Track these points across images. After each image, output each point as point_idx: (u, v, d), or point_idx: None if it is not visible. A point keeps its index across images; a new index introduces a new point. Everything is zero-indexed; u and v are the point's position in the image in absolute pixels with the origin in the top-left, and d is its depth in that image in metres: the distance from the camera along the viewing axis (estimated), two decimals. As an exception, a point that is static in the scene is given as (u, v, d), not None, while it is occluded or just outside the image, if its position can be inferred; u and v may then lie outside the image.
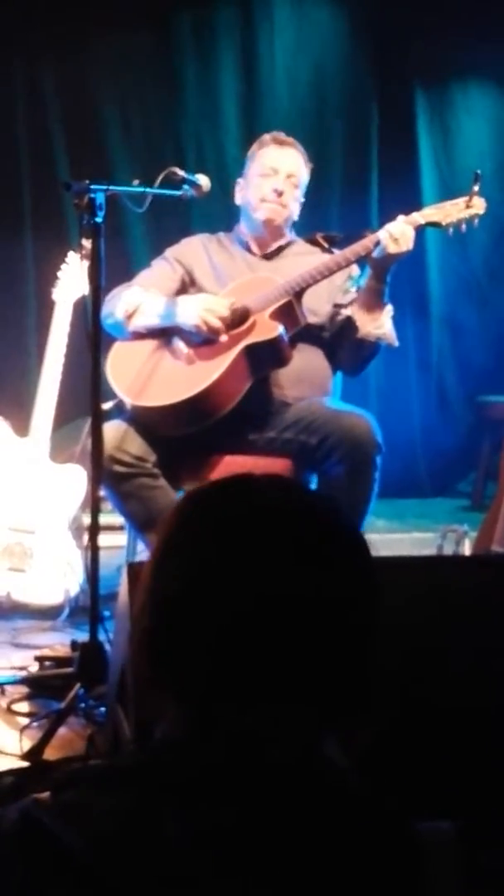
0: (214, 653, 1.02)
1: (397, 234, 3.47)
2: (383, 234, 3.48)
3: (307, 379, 3.68)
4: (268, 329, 3.51)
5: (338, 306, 3.70)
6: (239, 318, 3.55)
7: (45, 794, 1.01)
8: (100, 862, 0.95)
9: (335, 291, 3.73)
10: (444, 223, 3.57)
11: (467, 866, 1.02)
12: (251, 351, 3.52)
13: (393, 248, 3.47)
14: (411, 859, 0.99)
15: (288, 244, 3.85)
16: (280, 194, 3.72)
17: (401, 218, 3.53)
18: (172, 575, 1.07)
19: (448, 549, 4.30)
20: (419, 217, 3.56)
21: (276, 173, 3.73)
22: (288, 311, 3.56)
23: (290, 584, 1.03)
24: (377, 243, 3.49)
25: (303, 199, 3.84)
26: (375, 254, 3.51)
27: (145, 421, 3.53)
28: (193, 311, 3.52)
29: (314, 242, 3.86)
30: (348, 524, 1.12)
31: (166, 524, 1.12)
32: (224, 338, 3.52)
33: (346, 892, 0.96)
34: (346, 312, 3.65)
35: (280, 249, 3.83)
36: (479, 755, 1.92)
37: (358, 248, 3.55)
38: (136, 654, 1.09)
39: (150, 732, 1.09)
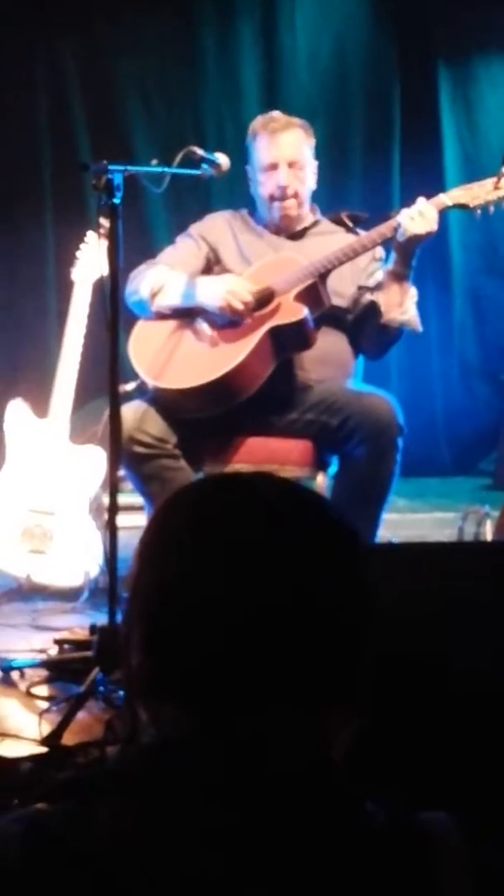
0: (211, 655, 1.01)
1: (415, 214, 3.43)
2: (403, 216, 3.44)
3: (330, 360, 3.66)
4: (293, 311, 3.49)
5: (362, 289, 3.67)
6: (263, 300, 3.52)
7: (43, 805, 0.99)
8: (109, 866, 0.94)
9: (360, 274, 3.70)
10: (471, 205, 3.53)
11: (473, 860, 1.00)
12: (275, 333, 3.49)
13: (414, 228, 3.43)
14: (423, 856, 0.98)
15: (313, 224, 3.81)
16: (285, 188, 3.67)
17: (421, 200, 3.48)
18: (170, 575, 1.05)
19: (469, 530, 4.28)
20: (446, 199, 3.52)
21: (276, 168, 3.66)
22: (312, 293, 3.53)
23: (294, 582, 1.02)
24: (398, 225, 3.46)
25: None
26: (398, 236, 3.47)
27: (166, 402, 3.52)
28: (218, 293, 3.50)
29: (339, 221, 3.83)
30: (339, 523, 1.10)
31: (153, 524, 1.10)
32: (248, 320, 3.50)
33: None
34: (370, 297, 3.62)
35: (305, 230, 3.79)
36: (489, 748, 1.90)
37: (383, 229, 3.52)
38: (128, 657, 1.07)
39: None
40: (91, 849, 0.95)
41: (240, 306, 3.46)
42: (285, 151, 3.67)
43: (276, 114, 3.77)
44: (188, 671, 1.02)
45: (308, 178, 3.74)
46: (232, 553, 1.03)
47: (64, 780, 1.01)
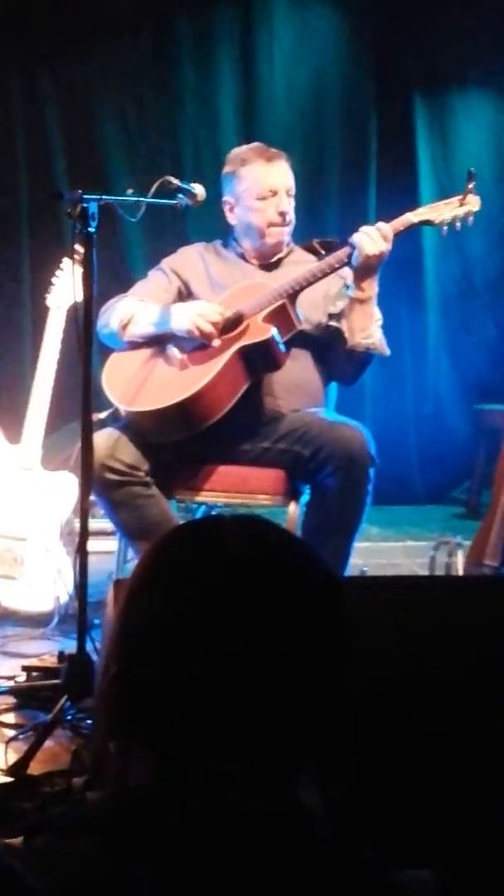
0: (183, 699, 1.01)
1: (371, 232, 3.45)
2: (357, 235, 3.47)
3: (302, 389, 3.66)
4: (260, 331, 3.50)
5: (332, 316, 3.68)
6: (232, 323, 3.53)
7: (17, 840, 0.99)
8: None
9: (331, 301, 3.71)
10: (437, 221, 3.56)
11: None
12: (244, 353, 3.50)
13: (367, 247, 3.44)
14: None
15: (287, 253, 3.82)
16: (285, 214, 3.69)
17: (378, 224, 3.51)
18: (139, 623, 1.06)
19: (441, 560, 4.28)
20: (412, 216, 3.56)
21: (276, 194, 3.67)
22: (282, 315, 3.55)
23: (258, 630, 1.02)
24: (353, 247, 3.48)
25: None
26: (353, 258, 3.49)
27: (139, 428, 3.52)
28: (186, 317, 3.51)
29: (311, 249, 3.84)
30: (319, 568, 1.10)
31: (134, 572, 1.11)
32: (217, 342, 3.50)
33: None
34: (335, 323, 3.63)
35: (279, 260, 3.80)
36: (464, 792, 1.90)
37: (340, 254, 3.54)
38: (105, 699, 1.08)
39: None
40: (52, 889, 0.94)
41: (208, 328, 3.47)
42: (285, 179, 3.70)
43: (262, 145, 3.79)
44: (153, 717, 1.02)
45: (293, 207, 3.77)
46: (193, 603, 1.03)
47: (37, 818, 1.01)
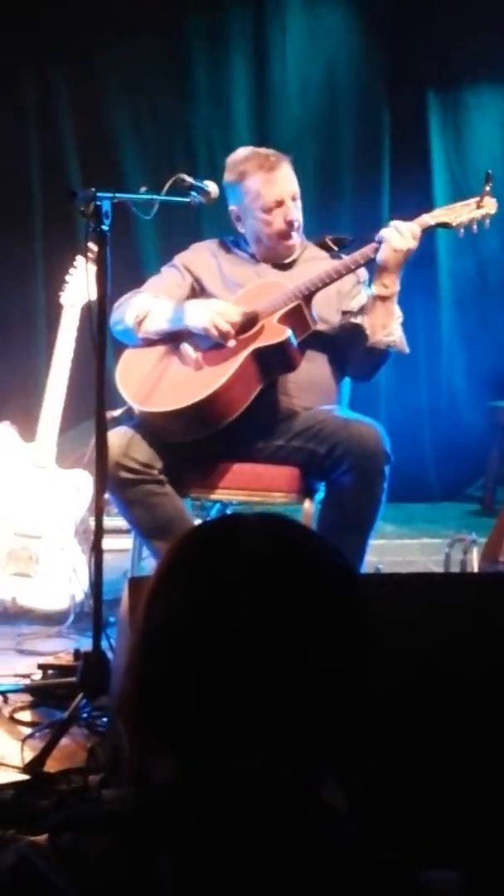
0: (205, 698, 1.01)
1: (401, 228, 3.44)
2: (385, 231, 3.46)
3: (316, 387, 3.66)
4: (276, 333, 3.49)
5: (347, 313, 3.67)
6: (248, 324, 3.53)
7: (42, 838, 1.00)
8: None
9: (344, 298, 3.71)
10: (454, 223, 3.54)
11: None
12: (259, 355, 3.50)
13: (396, 243, 3.43)
14: None
15: (300, 252, 3.81)
16: (293, 223, 3.68)
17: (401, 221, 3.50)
18: (161, 621, 1.06)
19: (456, 558, 4.27)
20: (429, 218, 3.54)
21: (282, 204, 3.65)
22: (297, 315, 3.54)
23: (278, 628, 1.02)
24: (380, 245, 3.47)
25: None
26: (379, 255, 3.48)
27: (153, 427, 3.52)
28: (204, 315, 3.50)
29: (323, 246, 3.84)
30: (339, 566, 1.10)
31: (155, 572, 1.11)
32: (233, 342, 3.50)
33: None
34: (355, 320, 3.62)
35: (293, 261, 3.80)
36: (486, 788, 1.90)
37: (367, 250, 3.53)
38: (127, 698, 1.08)
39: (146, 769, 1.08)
40: (74, 887, 0.95)
41: (226, 327, 3.46)
42: (287, 186, 3.67)
43: (261, 150, 3.76)
44: (176, 717, 1.03)
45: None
46: (214, 602, 1.04)
47: (61, 816, 1.01)
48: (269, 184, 3.64)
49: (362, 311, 3.62)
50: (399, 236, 3.44)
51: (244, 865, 0.96)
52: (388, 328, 3.59)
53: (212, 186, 3.40)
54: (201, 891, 0.95)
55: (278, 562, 1.06)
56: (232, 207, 3.75)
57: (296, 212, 3.69)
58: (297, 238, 3.73)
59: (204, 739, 1.01)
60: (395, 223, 3.48)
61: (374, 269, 3.55)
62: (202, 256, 3.83)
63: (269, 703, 1.01)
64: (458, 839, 1.83)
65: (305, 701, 1.02)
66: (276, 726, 1.01)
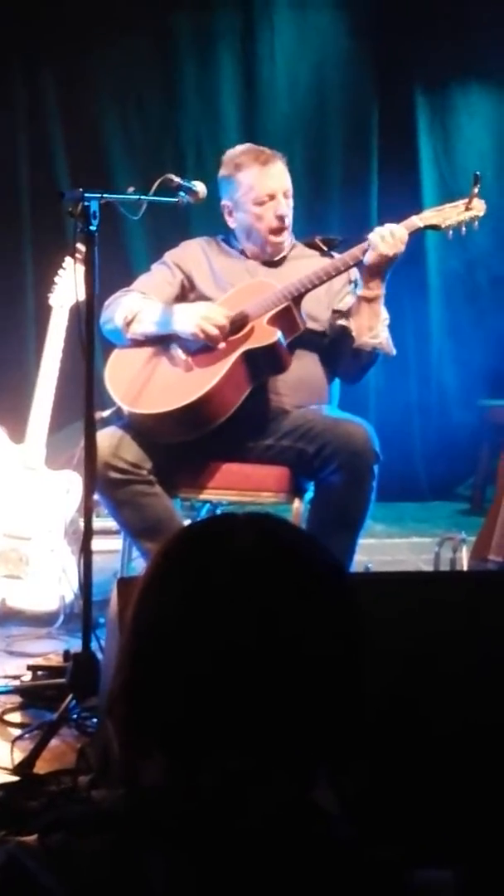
0: (196, 699, 1.01)
1: (386, 234, 3.44)
2: (373, 235, 3.46)
3: (305, 386, 3.66)
4: (266, 335, 3.49)
5: (336, 313, 3.67)
6: (237, 325, 3.52)
7: (31, 838, 1.00)
8: None
9: (334, 297, 3.71)
10: (443, 226, 3.55)
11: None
12: (249, 357, 3.50)
13: (383, 248, 3.44)
14: None
15: (289, 251, 3.81)
16: (284, 218, 3.68)
17: (390, 224, 3.50)
18: (152, 622, 1.06)
19: (445, 557, 4.27)
20: (418, 220, 3.55)
21: (274, 198, 3.65)
22: (286, 317, 3.54)
23: (270, 629, 1.02)
24: (368, 247, 3.47)
25: None
26: (366, 258, 3.48)
27: (142, 428, 3.52)
28: (191, 320, 3.50)
29: (313, 246, 3.84)
30: (329, 565, 1.10)
31: (146, 573, 1.11)
32: (222, 345, 3.50)
33: None
34: (341, 322, 3.63)
35: (282, 258, 3.80)
36: (478, 787, 1.90)
37: (356, 251, 3.53)
38: (117, 699, 1.07)
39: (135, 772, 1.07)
40: (64, 887, 0.95)
41: (214, 331, 3.46)
42: (281, 181, 3.68)
43: (254, 146, 3.76)
44: (166, 717, 1.02)
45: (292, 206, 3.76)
46: (205, 602, 1.03)
47: (51, 816, 1.01)
48: (262, 177, 3.65)
49: (349, 312, 3.62)
50: (386, 242, 3.44)
51: (236, 866, 0.96)
52: (374, 330, 3.59)
53: (200, 186, 3.40)
54: (194, 891, 0.94)
55: (270, 561, 1.06)
56: (225, 202, 3.75)
57: (287, 208, 3.69)
58: (286, 235, 3.73)
59: (195, 740, 1.01)
60: (380, 228, 3.47)
61: (361, 270, 3.55)
62: (193, 253, 3.83)
63: (260, 702, 1.01)
64: (452, 838, 1.83)
65: (297, 700, 1.02)
66: (267, 726, 1.01)
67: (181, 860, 0.96)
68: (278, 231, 3.69)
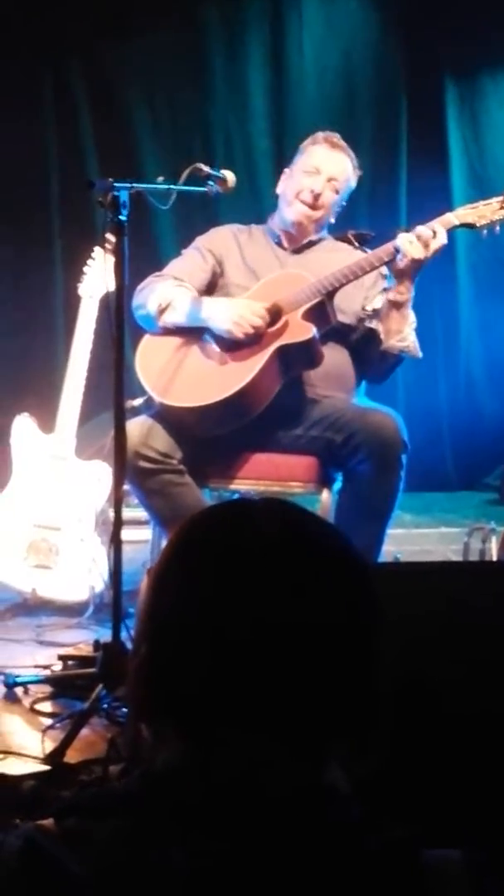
0: (212, 680, 1.02)
1: (413, 238, 3.40)
2: (401, 240, 3.42)
3: (334, 376, 3.66)
4: (301, 330, 3.48)
5: (365, 310, 3.66)
6: (271, 318, 3.51)
7: (48, 821, 1.00)
8: (100, 889, 0.95)
9: (369, 290, 3.70)
10: (478, 224, 3.52)
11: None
12: (284, 352, 3.49)
13: (413, 252, 3.41)
14: (416, 892, 0.98)
15: (318, 241, 3.81)
16: (317, 196, 3.68)
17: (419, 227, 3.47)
18: (169, 603, 1.07)
19: (475, 547, 4.27)
20: (453, 217, 3.52)
21: (319, 173, 3.68)
22: (320, 311, 3.53)
23: (286, 612, 1.03)
24: (397, 250, 3.44)
25: (343, 204, 3.80)
26: (397, 260, 3.46)
27: (173, 419, 3.52)
28: (227, 318, 3.49)
29: (345, 240, 3.84)
30: (347, 551, 1.11)
31: (164, 553, 1.12)
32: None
33: None
34: (369, 324, 3.62)
35: (310, 244, 3.79)
36: (493, 775, 1.90)
37: (389, 247, 3.50)
38: (134, 679, 1.08)
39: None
40: (84, 869, 0.96)
41: (249, 330, 3.46)
42: (334, 165, 3.71)
43: (337, 135, 3.81)
44: (182, 696, 1.03)
45: (337, 203, 3.76)
46: (221, 583, 1.04)
47: (67, 799, 1.02)
48: (320, 153, 3.73)
49: (377, 314, 3.62)
50: (416, 247, 3.42)
51: (253, 848, 0.96)
52: (402, 333, 3.59)
53: (229, 176, 3.40)
54: (214, 871, 0.95)
55: (290, 543, 1.07)
56: (286, 168, 3.83)
57: (324, 190, 3.69)
58: (312, 218, 3.72)
59: (212, 721, 1.02)
60: (407, 235, 3.42)
61: (392, 270, 3.53)
62: (223, 239, 3.84)
63: (277, 684, 1.01)
64: (464, 820, 1.83)
65: (314, 684, 1.03)
66: (285, 708, 1.02)
67: (197, 839, 0.96)
68: (308, 206, 3.69)
